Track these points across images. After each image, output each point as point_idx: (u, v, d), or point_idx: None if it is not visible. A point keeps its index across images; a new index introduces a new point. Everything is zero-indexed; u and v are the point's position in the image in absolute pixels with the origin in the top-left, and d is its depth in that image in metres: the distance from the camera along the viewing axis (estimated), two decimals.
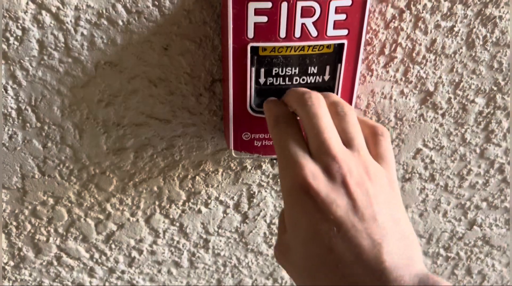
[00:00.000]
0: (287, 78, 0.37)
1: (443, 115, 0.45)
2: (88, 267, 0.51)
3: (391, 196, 0.30)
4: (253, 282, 0.56)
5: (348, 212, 0.28)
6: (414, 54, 0.41)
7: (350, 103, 0.39)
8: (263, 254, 0.54)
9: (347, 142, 0.31)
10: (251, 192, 0.49)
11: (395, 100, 0.43)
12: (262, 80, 0.37)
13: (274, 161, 0.47)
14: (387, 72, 0.42)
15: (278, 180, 0.48)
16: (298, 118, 0.34)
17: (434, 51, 0.41)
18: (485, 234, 0.58)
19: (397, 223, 0.29)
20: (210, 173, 0.46)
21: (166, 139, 0.43)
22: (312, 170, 0.29)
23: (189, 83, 0.40)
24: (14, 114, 0.40)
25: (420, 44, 0.40)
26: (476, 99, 0.45)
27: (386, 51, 0.40)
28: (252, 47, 0.35)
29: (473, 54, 0.41)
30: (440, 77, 0.42)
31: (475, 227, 0.57)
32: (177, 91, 0.41)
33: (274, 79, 0.37)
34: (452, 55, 0.41)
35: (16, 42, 0.36)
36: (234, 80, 0.37)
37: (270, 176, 0.48)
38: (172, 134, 0.43)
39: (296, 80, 0.37)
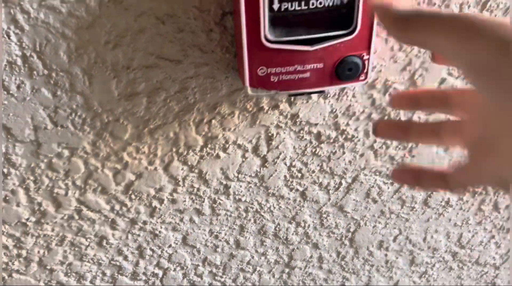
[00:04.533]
0: (303, 2, 0.35)
1: None
2: (110, 219, 0.50)
3: None
4: (276, 227, 0.55)
5: None
6: None
7: (372, 24, 0.37)
8: (284, 197, 0.52)
9: None
10: (269, 134, 0.47)
11: None
12: (276, 6, 0.35)
13: (292, 97, 0.45)
14: None
15: (297, 120, 0.46)
16: None
17: None
18: None
19: None
20: (226, 115, 0.45)
21: (178, 81, 0.42)
22: None
23: (198, 17, 0.38)
24: (19, 61, 0.38)
25: None
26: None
27: None
28: None
29: None
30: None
31: None
32: (186, 28, 0.39)
33: (289, 4, 0.35)
34: None
35: None
36: (246, 8, 0.34)
37: (288, 116, 0.46)
38: (184, 75, 0.41)
39: (313, 4, 0.35)
